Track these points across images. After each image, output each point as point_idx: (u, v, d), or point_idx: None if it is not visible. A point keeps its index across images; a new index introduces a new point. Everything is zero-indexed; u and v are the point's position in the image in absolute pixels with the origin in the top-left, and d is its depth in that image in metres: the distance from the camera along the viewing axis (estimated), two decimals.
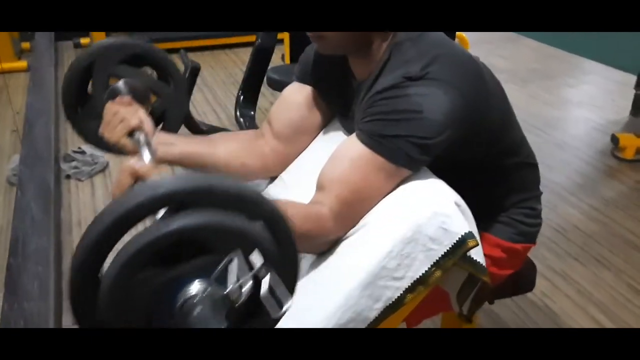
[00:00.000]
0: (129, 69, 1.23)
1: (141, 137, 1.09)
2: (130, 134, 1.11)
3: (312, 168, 1.17)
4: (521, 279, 1.36)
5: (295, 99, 1.27)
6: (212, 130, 2.68)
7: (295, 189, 1.25)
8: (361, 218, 1.04)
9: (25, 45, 4.30)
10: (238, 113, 2.81)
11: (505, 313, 1.96)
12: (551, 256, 2.25)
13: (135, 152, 1.07)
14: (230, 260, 0.64)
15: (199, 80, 3.96)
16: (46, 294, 1.83)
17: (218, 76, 4.11)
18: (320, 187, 1.06)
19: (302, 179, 1.23)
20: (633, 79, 3.49)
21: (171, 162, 1.20)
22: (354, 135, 1.05)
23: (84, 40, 4.74)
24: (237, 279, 0.62)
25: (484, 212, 1.22)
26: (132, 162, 0.87)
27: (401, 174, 1.03)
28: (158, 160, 1.14)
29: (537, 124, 3.38)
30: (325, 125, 1.30)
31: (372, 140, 1.01)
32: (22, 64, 3.97)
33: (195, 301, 0.63)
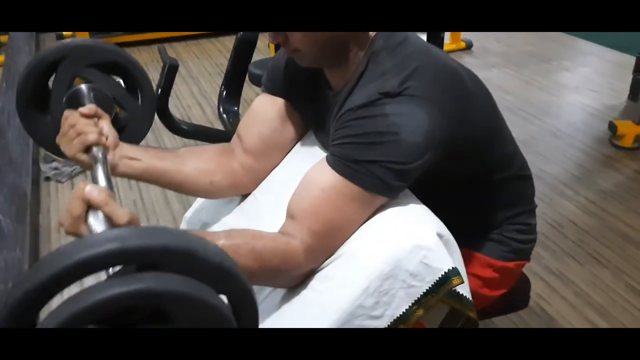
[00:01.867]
0: (97, 74, 1.13)
1: (99, 154, 0.99)
2: (88, 149, 1.01)
3: (286, 185, 1.09)
4: (514, 297, 1.27)
5: (265, 112, 1.17)
6: (194, 129, 2.57)
7: (268, 206, 1.16)
8: (336, 249, 0.96)
9: (4, 38, 4.16)
10: (221, 109, 2.70)
11: (499, 318, 1.87)
12: (546, 255, 2.17)
13: (91, 167, 0.97)
14: None
15: (183, 72, 3.85)
16: None
17: (203, 67, 3.99)
18: (290, 215, 0.97)
19: (275, 196, 1.14)
20: (631, 60, 3.38)
21: (134, 177, 1.10)
22: (324, 159, 0.96)
23: (66, 33, 4.60)
24: None
25: (474, 230, 1.16)
26: (86, 187, 0.75)
27: (377, 202, 0.95)
28: (120, 175, 1.06)
29: (532, 111, 3.28)
30: (299, 138, 1.20)
31: (345, 167, 0.92)
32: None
33: None
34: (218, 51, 4.27)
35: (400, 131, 0.89)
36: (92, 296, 0.53)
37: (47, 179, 2.72)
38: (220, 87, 2.72)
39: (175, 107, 3.36)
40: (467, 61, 4.04)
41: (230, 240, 0.90)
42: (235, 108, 2.70)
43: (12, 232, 1.92)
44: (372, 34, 0.99)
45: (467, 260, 1.11)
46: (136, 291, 0.53)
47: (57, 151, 1.09)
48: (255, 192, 1.22)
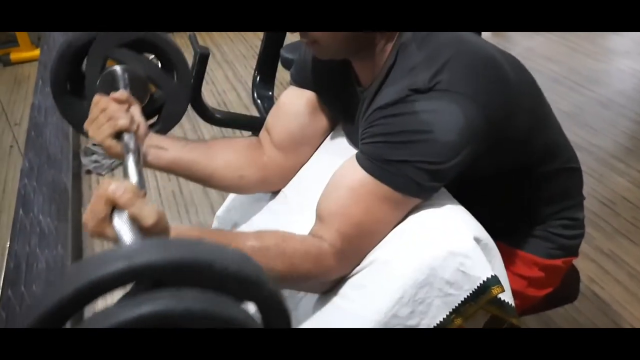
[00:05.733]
0: (130, 54, 1.10)
1: (131, 142, 0.93)
2: (118, 135, 0.96)
3: (315, 184, 1.04)
4: (562, 292, 1.20)
5: (293, 106, 1.13)
6: (229, 117, 2.55)
7: (298, 206, 1.12)
8: (367, 253, 0.91)
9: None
10: (255, 94, 2.67)
11: None
12: (598, 235, 2.07)
13: (120, 156, 0.93)
14: None
15: (218, 56, 3.82)
16: None
17: (238, 50, 3.95)
18: (319, 217, 0.93)
19: (305, 195, 1.10)
20: None
21: (162, 168, 1.07)
22: (353, 157, 0.91)
23: None
24: None
25: (517, 226, 1.10)
26: (110, 187, 0.69)
27: (410, 203, 0.89)
28: (148, 165, 1.03)
29: (579, 79, 3.13)
30: (329, 132, 1.15)
31: (374, 166, 0.87)
32: (39, 52, 3.88)
33: None
34: (252, 32, 4.21)
35: (433, 129, 0.83)
36: (99, 324, 0.50)
37: (88, 172, 2.75)
38: (254, 72, 2.68)
39: (210, 93, 3.34)
40: None
41: (260, 242, 0.87)
42: (270, 93, 2.66)
43: (52, 230, 1.94)
44: None
45: (511, 259, 1.06)
46: (144, 315, 0.50)
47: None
48: (285, 190, 1.18)
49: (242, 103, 3.22)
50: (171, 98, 1.15)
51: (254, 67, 2.68)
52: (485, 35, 3.67)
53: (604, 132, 2.65)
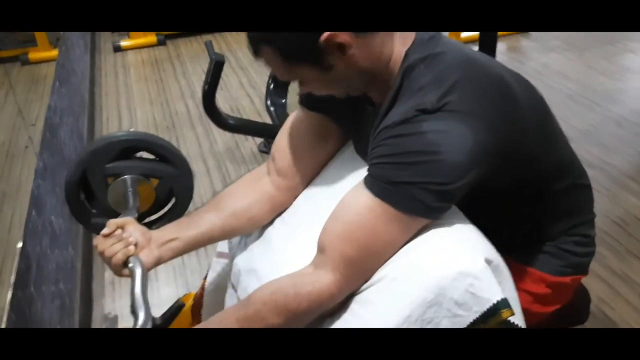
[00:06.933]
0: (122, 164, 1.22)
1: (136, 266, 1.02)
2: (126, 263, 1.04)
3: (325, 195, 1.07)
4: (571, 312, 1.19)
5: (301, 129, 1.13)
6: (241, 124, 2.56)
7: (307, 219, 1.12)
8: (372, 274, 0.91)
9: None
10: (268, 102, 2.68)
11: None
12: (609, 254, 2.05)
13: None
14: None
15: (233, 62, 3.85)
16: (70, 310, 1.78)
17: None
18: (321, 248, 0.92)
19: (315, 206, 1.11)
20: None
21: (182, 254, 1.11)
22: (359, 184, 0.91)
23: None
24: None
25: (527, 242, 1.09)
26: None
27: (417, 224, 0.89)
28: (169, 260, 1.10)
29: (594, 97, 3.11)
30: (338, 150, 1.15)
31: (381, 188, 0.86)
32: (56, 52, 3.92)
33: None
34: None
35: (440, 150, 0.83)
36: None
37: None
38: (268, 80, 2.69)
39: (224, 98, 3.36)
40: (524, 45, 3.88)
41: (252, 308, 0.91)
42: (283, 100, 2.68)
43: (64, 231, 1.95)
44: (403, 49, 0.93)
45: (519, 275, 1.05)
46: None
47: None
48: (295, 202, 1.18)
49: (255, 109, 3.24)
50: (175, 180, 1.27)
51: (268, 74, 2.69)
52: (500, 49, 3.67)
53: (618, 151, 2.63)
